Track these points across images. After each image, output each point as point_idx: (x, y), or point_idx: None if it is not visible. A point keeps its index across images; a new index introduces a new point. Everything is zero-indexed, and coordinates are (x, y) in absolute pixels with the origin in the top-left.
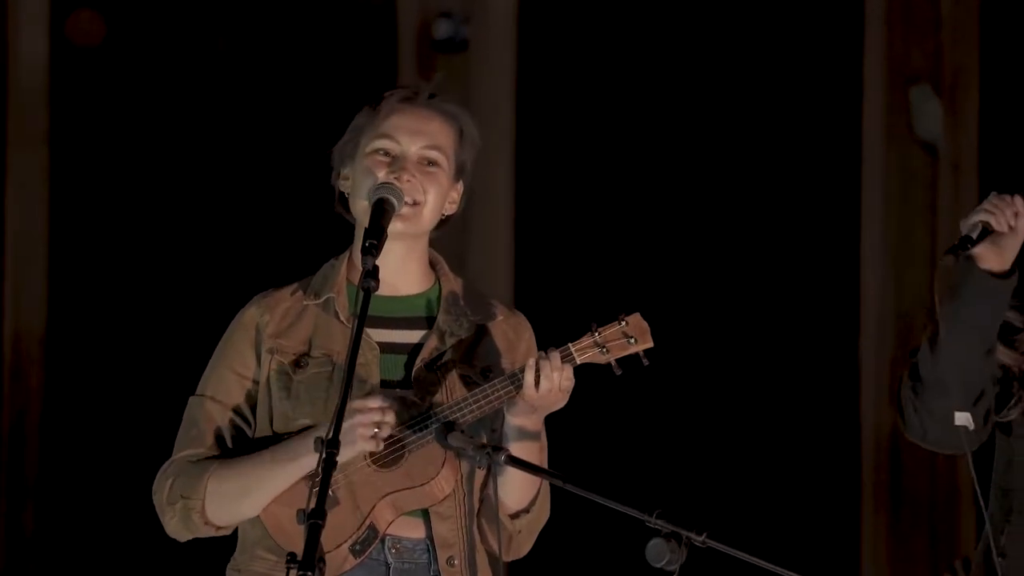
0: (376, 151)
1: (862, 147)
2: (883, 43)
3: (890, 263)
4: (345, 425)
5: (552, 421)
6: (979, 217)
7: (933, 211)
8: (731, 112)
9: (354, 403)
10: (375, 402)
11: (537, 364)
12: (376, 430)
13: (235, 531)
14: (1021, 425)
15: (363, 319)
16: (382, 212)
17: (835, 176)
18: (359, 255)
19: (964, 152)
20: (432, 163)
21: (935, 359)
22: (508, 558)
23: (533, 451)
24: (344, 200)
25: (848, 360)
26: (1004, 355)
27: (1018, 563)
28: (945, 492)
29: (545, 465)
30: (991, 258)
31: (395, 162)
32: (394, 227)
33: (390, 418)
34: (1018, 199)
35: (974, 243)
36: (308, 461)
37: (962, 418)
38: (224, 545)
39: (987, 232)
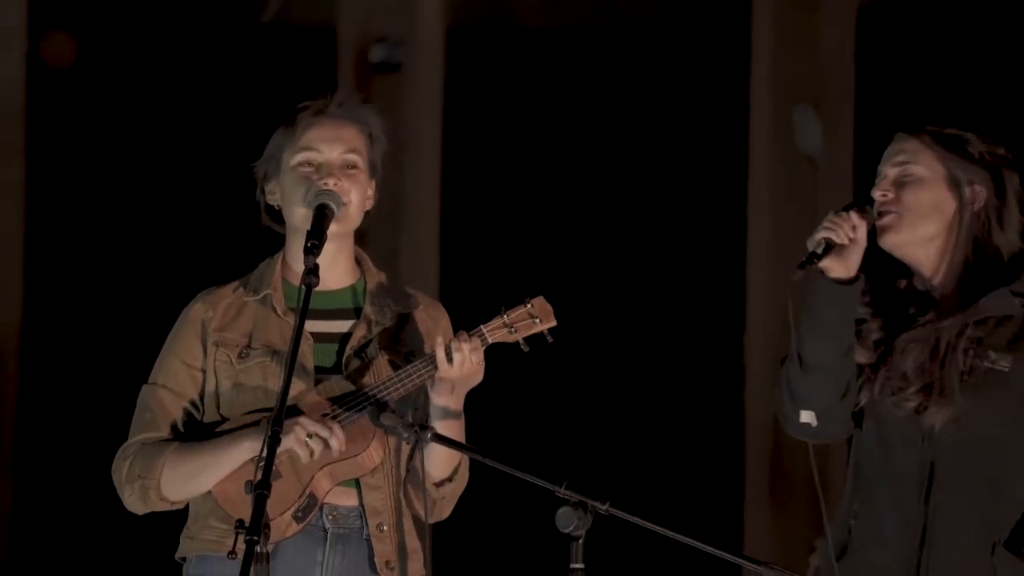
0: (301, 163)
1: (749, 160)
2: (769, 67)
3: (773, 264)
4: (288, 421)
5: (471, 400)
6: (821, 234)
7: (813, 216)
8: (636, 128)
9: (314, 418)
10: (327, 424)
11: (448, 343)
12: (312, 440)
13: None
14: (867, 408)
15: (304, 312)
16: (323, 216)
17: (725, 186)
18: (292, 256)
19: (840, 163)
20: (352, 166)
21: (803, 364)
22: (432, 521)
23: (455, 428)
24: (270, 211)
25: (735, 353)
26: (859, 353)
27: (866, 522)
28: (822, 469)
29: (464, 440)
30: (837, 268)
31: (320, 169)
32: (331, 228)
33: (335, 443)
34: (853, 214)
35: (820, 257)
36: (252, 445)
37: (806, 416)
38: (178, 515)
39: (830, 247)
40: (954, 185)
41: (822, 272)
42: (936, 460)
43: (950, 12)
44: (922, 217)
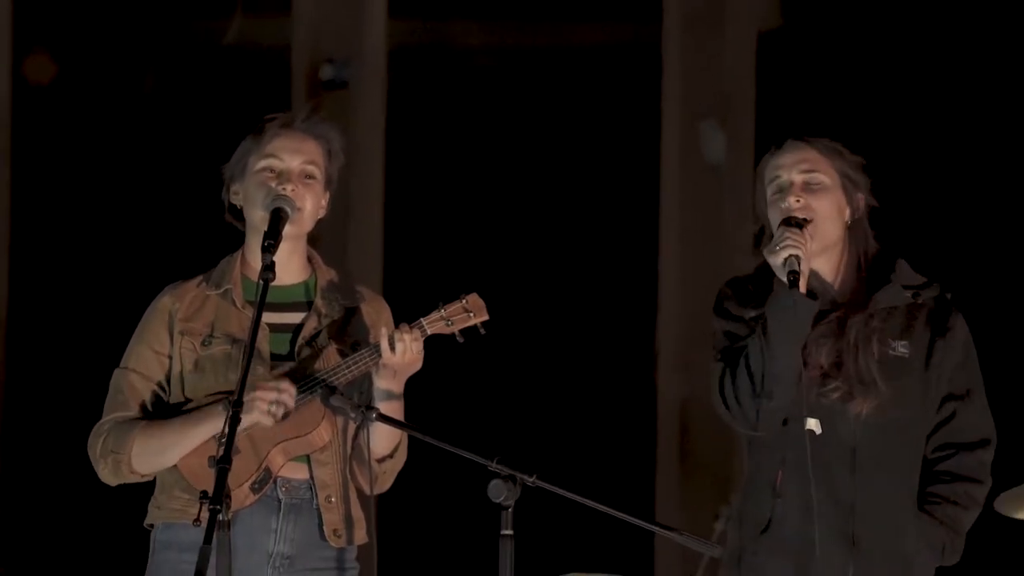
0: (264, 169)
1: (661, 168)
2: (679, 87)
3: (683, 261)
4: (247, 397)
5: (412, 384)
6: (790, 251)
7: (718, 218)
8: (562, 140)
9: (264, 383)
10: (276, 384)
11: (391, 334)
12: (272, 407)
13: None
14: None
15: (262, 305)
16: (279, 218)
17: (640, 191)
18: (251, 253)
19: (741, 171)
20: (309, 176)
21: (775, 371)
22: (375, 493)
23: (396, 409)
24: (234, 210)
25: (647, 341)
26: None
27: (794, 499)
28: (725, 447)
29: (404, 419)
30: (803, 283)
31: (281, 176)
32: (286, 230)
33: (287, 397)
34: (806, 232)
35: (797, 275)
36: (215, 424)
37: (812, 423)
38: (146, 487)
39: (799, 261)
40: (847, 192)
41: (795, 286)
42: (860, 441)
43: (836, 40)
44: (830, 222)
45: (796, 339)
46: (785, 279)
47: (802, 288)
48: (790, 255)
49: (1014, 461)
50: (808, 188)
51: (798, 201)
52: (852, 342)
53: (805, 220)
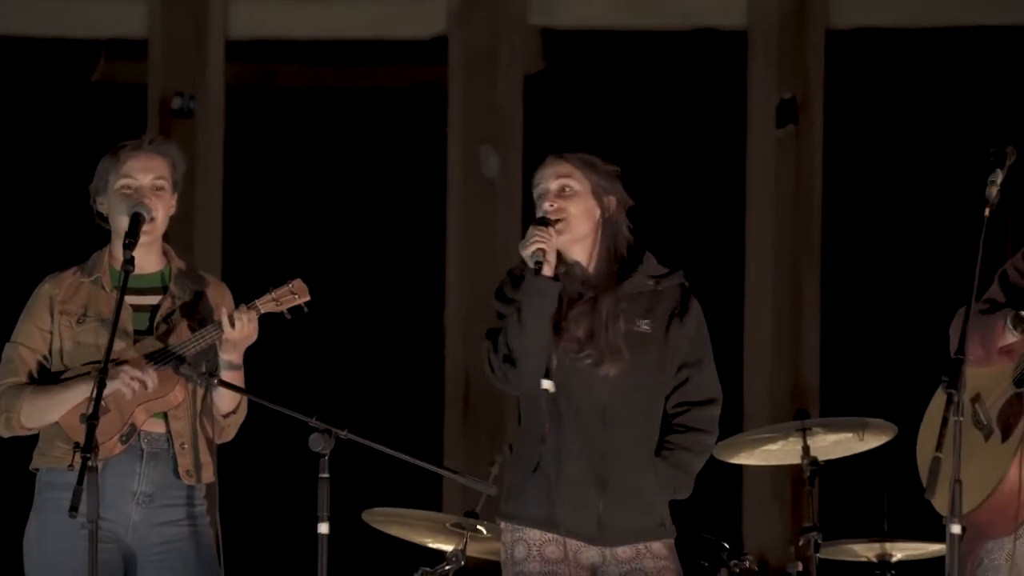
0: (122, 187)
1: (448, 182)
2: (462, 117)
3: (465, 257)
4: (114, 369)
5: (249, 355)
6: (536, 246)
7: (493, 222)
8: (363, 162)
9: (127, 364)
10: (146, 368)
11: (231, 313)
12: (134, 383)
13: None
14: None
15: (124, 290)
16: (137, 222)
17: (429, 203)
18: (118, 248)
19: (512, 185)
20: (159, 188)
21: (522, 340)
22: (219, 442)
23: (237, 376)
24: (101, 216)
25: (437, 319)
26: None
27: (556, 445)
28: (499, 406)
29: (243, 383)
30: (547, 269)
31: (136, 192)
32: (143, 230)
33: (149, 381)
34: (551, 228)
35: (541, 264)
36: (87, 388)
37: (547, 384)
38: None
39: (544, 254)
40: (598, 196)
41: (540, 273)
42: (609, 400)
43: (586, 79)
44: (581, 221)
45: (543, 316)
46: (532, 267)
47: (547, 274)
48: (536, 248)
49: (722, 422)
50: (562, 194)
51: (551, 205)
52: (603, 319)
53: (556, 220)
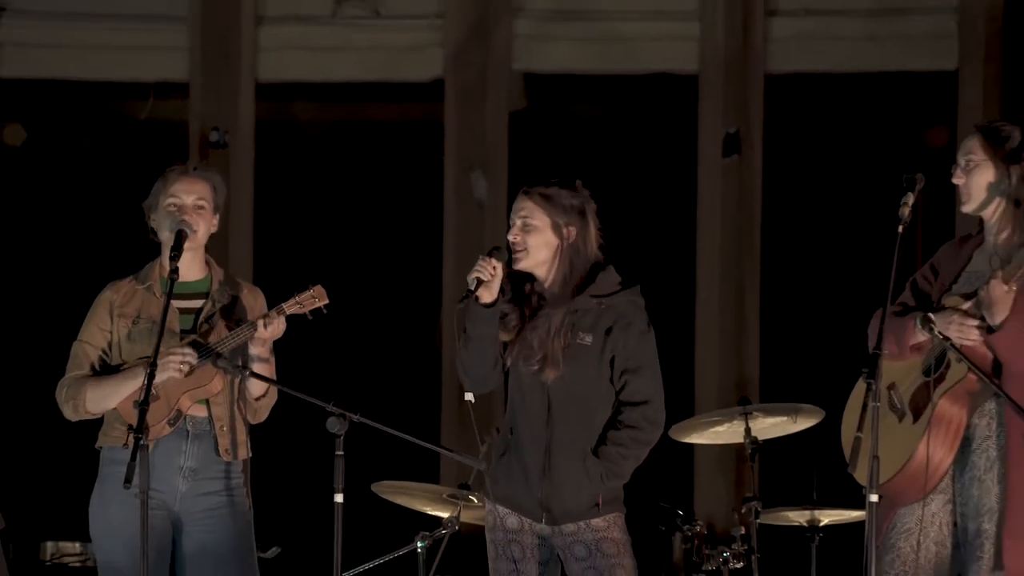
0: (169, 204)
1: (444, 203)
2: (456, 146)
3: (458, 269)
4: (162, 360)
5: (278, 349)
6: (475, 275)
7: (482, 236)
8: (370, 185)
9: (173, 349)
10: (184, 351)
11: (263, 316)
12: (181, 366)
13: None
14: (511, 367)
15: (170, 295)
16: (181, 237)
17: (427, 221)
18: (167, 260)
19: (498, 207)
20: (200, 207)
21: (467, 359)
22: (254, 422)
23: (267, 368)
24: (153, 231)
25: (435, 321)
26: (504, 334)
27: (516, 438)
28: (487, 395)
29: (273, 373)
30: (485, 295)
31: (181, 209)
32: (186, 245)
33: (190, 358)
34: (492, 258)
35: (474, 291)
36: (140, 379)
37: (468, 396)
38: (95, 422)
39: (481, 282)
40: (556, 228)
41: (477, 300)
42: (551, 402)
43: (564, 116)
44: (539, 250)
45: (482, 334)
46: (467, 291)
47: (485, 299)
48: (474, 276)
49: (676, 407)
50: (523, 229)
51: (516, 238)
52: (551, 332)
53: (508, 250)
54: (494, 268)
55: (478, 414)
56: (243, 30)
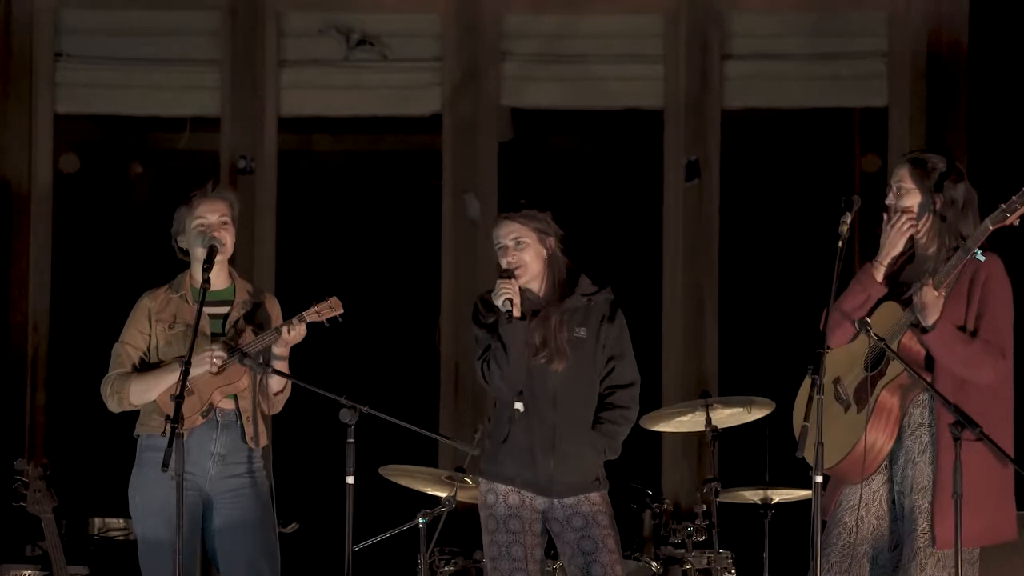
0: (198, 224)
1: (442, 222)
2: (452, 170)
3: (456, 279)
4: (196, 358)
5: (296, 352)
6: (504, 296)
7: (476, 252)
8: (379, 207)
9: (206, 349)
10: (213, 348)
11: (286, 323)
12: (215, 361)
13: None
14: None
15: (202, 303)
16: (213, 251)
17: (426, 240)
18: (196, 271)
19: (490, 224)
20: (225, 223)
21: (510, 373)
22: (272, 413)
23: (285, 366)
24: (182, 250)
25: (434, 322)
26: None
27: (522, 421)
28: (480, 389)
29: (289, 371)
30: (516, 311)
31: (208, 227)
32: (217, 258)
33: (220, 354)
34: (513, 281)
35: (511, 312)
36: (176, 375)
37: (518, 405)
38: (134, 413)
39: (512, 301)
40: (542, 241)
41: (511, 318)
42: (557, 388)
43: (546, 146)
44: (534, 263)
45: (519, 347)
46: (504, 313)
47: (516, 314)
48: (504, 298)
49: (645, 399)
50: (516, 247)
51: (510, 260)
52: (553, 329)
53: (514, 270)
54: (512, 286)
55: (473, 407)
56: (267, 71)
